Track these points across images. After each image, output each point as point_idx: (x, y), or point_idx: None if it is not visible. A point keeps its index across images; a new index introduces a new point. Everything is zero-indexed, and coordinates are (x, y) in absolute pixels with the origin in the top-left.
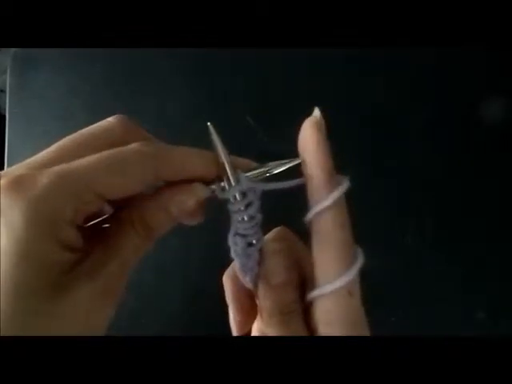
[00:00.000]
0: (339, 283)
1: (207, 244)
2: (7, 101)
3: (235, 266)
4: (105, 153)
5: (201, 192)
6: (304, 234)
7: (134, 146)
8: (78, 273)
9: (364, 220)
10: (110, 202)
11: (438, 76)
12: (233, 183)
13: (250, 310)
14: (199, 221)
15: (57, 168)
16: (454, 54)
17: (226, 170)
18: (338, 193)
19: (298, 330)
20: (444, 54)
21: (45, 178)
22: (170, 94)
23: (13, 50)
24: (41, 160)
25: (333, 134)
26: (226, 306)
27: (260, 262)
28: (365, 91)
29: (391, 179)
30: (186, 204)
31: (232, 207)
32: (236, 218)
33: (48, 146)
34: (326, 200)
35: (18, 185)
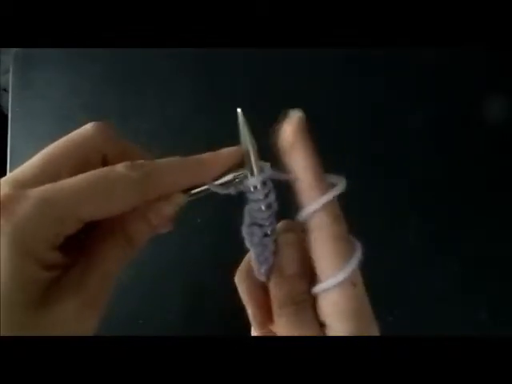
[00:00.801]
0: (342, 276)
1: (207, 244)
2: (9, 100)
3: (251, 257)
4: (90, 176)
5: (180, 200)
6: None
7: (120, 170)
8: (62, 286)
9: (364, 220)
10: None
11: (438, 76)
12: (256, 173)
13: (267, 306)
14: (170, 229)
15: (41, 190)
16: (454, 53)
17: (250, 160)
18: (327, 196)
19: (309, 320)
20: (444, 54)
21: (29, 203)
22: (170, 94)
23: (15, 49)
24: (27, 176)
25: (333, 134)
26: (226, 306)
27: (275, 252)
28: (365, 91)
29: (391, 179)
30: (165, 213)
31: (252, 196)
32: (254, 207)
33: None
34: (316, 202)
35: (3, 208)
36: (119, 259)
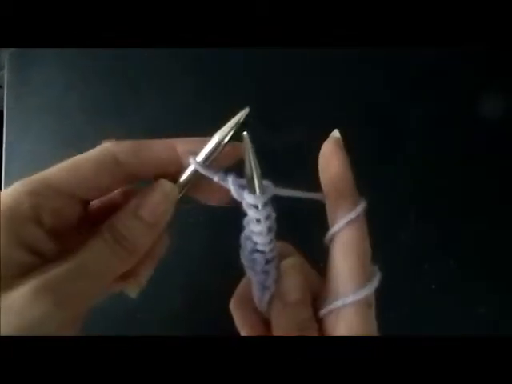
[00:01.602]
0: (362, 294)
1: (207, 244)
2: (5, 97)
3: (247, 284)
4: (75, 157)
5: (168, 188)
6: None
7: (104, 145)
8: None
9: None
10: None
11: (438, 76)
12: (258, 193)
13: (263, 333)
14: (169, 228)
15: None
16: (454, 53)
17: (253, 180)
18: (361, 205)
19: None
20: (444, 54)
21: (13, 187)
22: (170, 94)
23: None
24: None
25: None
26: (225, 306)
27: (277, 279)
28: (365, 91)
29: (391, 179)
30: (156, 206)
31: (251, 216)
32: (254, 229)
33: (45, 142)
34: (350, 213)
35: None
36: (106, 260)
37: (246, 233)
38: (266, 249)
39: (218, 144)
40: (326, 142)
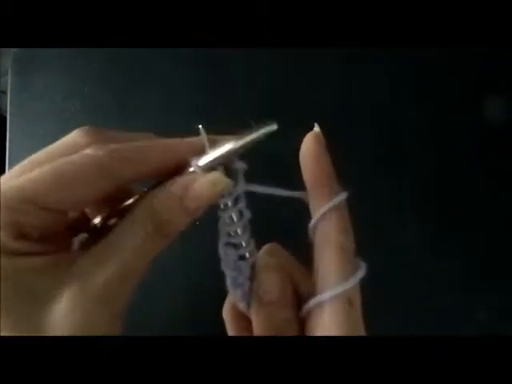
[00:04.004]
0: (340, 289)
1: (207, 244)
2: (8, 102)
3: (226, 280)
4: (53, 163)
5: (220, 180)
6: (297, 252)
7: (84, 151)
8: (67, 277)
9: (364, 219)
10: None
11: (437, 76)
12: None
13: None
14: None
15: (1, 183)
16: (454, 53)
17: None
18: (339, 197)
19: None
20: (444, 53)
21: None
22: (170, 95)
23: (14, 51)
24: (5, 176)
25: (333, 134)
26: None
27: (252, 277)
28: (365, 91)
29: (391, 179)
30: (204, 197)
31: (221, 203)
32: (224, 216)
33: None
34: (327, 204)
35: None
36: (146, 252)
37: (220, 223)
38: (240, 242)
39: (228, 153)
40: (306, 136)
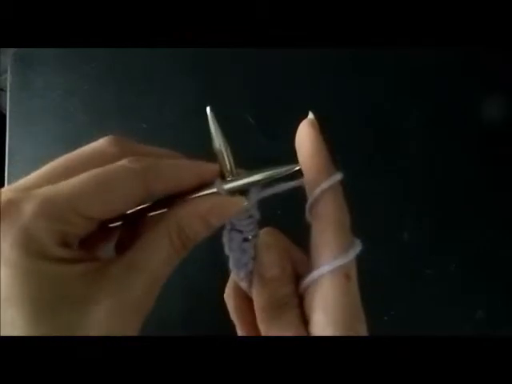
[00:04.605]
0: (336, 264)
1: (207, 244)
2: (8, 100)
3: (230, 262)
4: (91, 172)
5: (242, 203)
6: (294, 237)
7: (121, 162)
8: (102, 283)
9: (364, 219)
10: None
11: (438, 76)
12: (228, 164)
13: (255, 322)
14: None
15: (41, 191)
16: (453, 53)
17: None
18: (335, 176)
19: (294, 323)
20: (444, 54)
21: (29, 204)
22: (170, 94)
23: (13, 49)
24: (30, 182)
25: (333, 134)
26: (225, 306)
27: (254, 257)
28: (365, 91)
29: (391, 179)
30: (226, 216)
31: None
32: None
33: (48, 145)
34: (324, 183)
35: (5, 213)
36: (171, 262)
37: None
38: (244, 229)
39: (252, 183)
40: (301, 123)
